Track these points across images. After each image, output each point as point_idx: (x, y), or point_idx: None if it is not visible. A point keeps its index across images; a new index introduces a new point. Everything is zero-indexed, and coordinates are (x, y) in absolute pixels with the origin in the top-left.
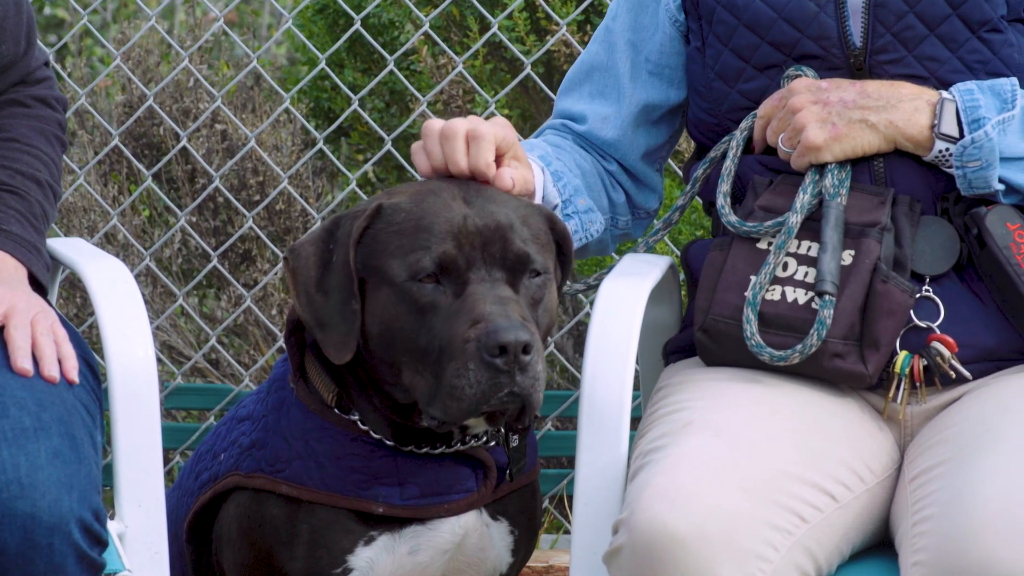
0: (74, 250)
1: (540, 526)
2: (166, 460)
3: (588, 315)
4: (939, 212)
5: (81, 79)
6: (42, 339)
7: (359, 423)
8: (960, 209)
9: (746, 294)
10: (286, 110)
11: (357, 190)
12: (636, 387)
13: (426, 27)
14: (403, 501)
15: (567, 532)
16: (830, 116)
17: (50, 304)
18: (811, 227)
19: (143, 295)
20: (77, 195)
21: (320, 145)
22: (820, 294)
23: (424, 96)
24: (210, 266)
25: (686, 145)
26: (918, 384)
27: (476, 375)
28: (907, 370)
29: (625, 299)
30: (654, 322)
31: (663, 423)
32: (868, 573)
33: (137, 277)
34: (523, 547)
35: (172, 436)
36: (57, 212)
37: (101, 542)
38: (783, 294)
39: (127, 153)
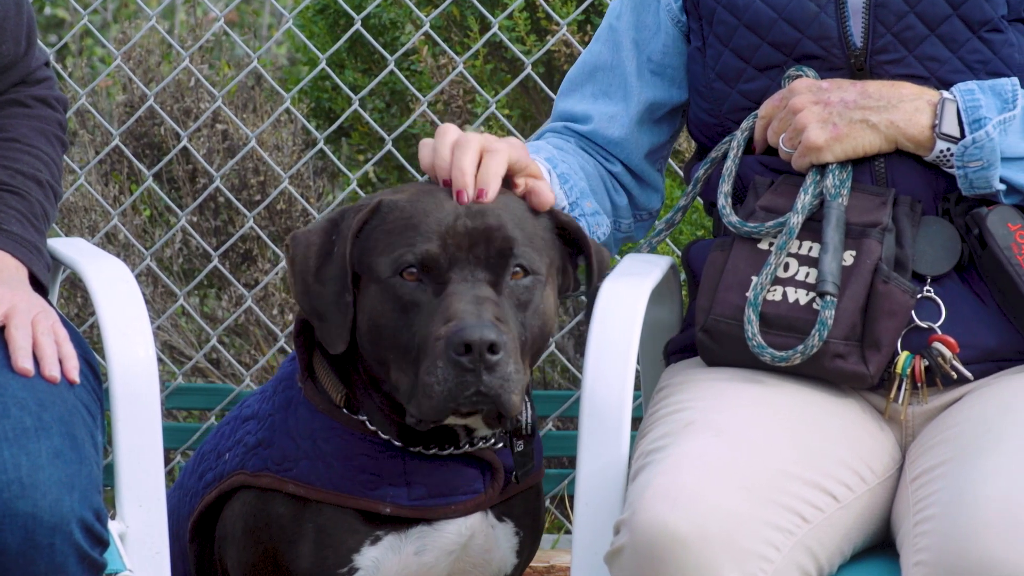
0: (75, 250)
1: (543, 527)
2: (167, 460)
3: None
4: (940, 212)
5: (82, 79)
6: (43, 339)
7: (367, 423)
8: (961, 209)
9: (747, 294)
10: (287, 110)
11: (358, 190)
12: (637, 387)
13: (426, 27)
14: (410, 502)
15: (568, 532)
16: (831, 116)
17: (51, 304)
18: (812, 227)
19: (144, 295)
20: (78, 195)
21: (321, 145)
22: (821, 295)
23: (425, 96)
24: (211, 266)
25: (687, 145)
26: (919, 384)
27: (443, 372)
28: (908, 370)
29: (626, 299)
30: (655, 322)
31: (664, 423)
32: (869, 573)
33: (138, 277)
34: (527, 548)
35: (173, 436)
36: (58, 212)
37: (102, 542)
38: (784, 294)
39: (128, 153)
